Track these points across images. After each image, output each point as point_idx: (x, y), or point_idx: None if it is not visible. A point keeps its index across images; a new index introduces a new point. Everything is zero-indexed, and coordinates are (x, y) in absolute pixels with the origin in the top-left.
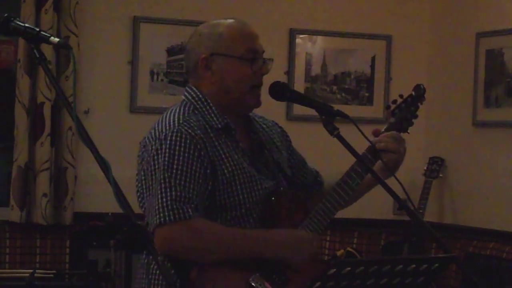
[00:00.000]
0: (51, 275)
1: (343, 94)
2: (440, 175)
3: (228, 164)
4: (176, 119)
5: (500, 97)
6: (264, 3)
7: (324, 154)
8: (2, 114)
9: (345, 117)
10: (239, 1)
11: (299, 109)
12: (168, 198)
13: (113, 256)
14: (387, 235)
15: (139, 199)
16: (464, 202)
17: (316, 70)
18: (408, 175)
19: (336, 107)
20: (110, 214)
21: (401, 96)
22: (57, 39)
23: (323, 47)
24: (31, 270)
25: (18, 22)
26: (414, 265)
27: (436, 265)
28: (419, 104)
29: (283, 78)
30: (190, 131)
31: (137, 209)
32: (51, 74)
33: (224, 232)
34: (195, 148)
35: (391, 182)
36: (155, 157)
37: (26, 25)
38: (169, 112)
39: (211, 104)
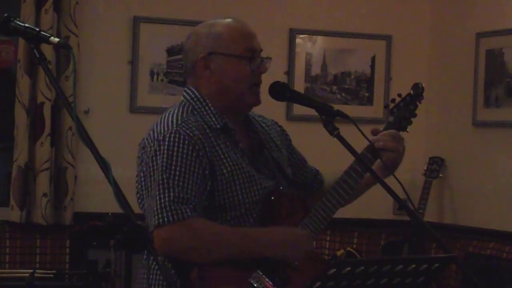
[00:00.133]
0: (51, 275)
1: (343, 94)
2: (440, 175)
3: (227, 164)
4: (174, 120)
5: (500, 97)
6: (264, 3)
7: (324, 154)
8: (2, 114)
9: (345, 117)
10: (239, 1)
11: (299, 109)
12: (167, 199)
13: (113, 256)
14: (387, 235)
15: (139, 200)
16: (464, 202)
17: (316, 70)
18: (408, 175)
19: (336, 107)
20: (110, 214)
21: (399, 95)
22: (57, 39)
23: (323, 47)
24: (31, 270)
25: (18, 22)
26: (414, 265)
27: (436, 265)
28: (417, 103)
29: (283, 78)
30: (188, 132)
31: (137, 209)
32: (51, 74)
33: (223, 232)
34: (193, 149)
35: (391, 182)
36: (154, 158)
37: (26, 25)
38: (167, 113)
39: (209, 105)
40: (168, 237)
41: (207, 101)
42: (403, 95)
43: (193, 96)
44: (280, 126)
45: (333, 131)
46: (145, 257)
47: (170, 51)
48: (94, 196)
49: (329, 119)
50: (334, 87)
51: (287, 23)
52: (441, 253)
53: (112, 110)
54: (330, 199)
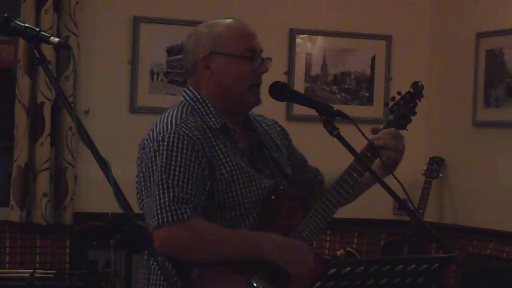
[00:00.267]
0: (51, 275)
1: (343, 94)
2: (440, 175)
3: (226, 165)
4: (173, 121)
5: (500, 97)
6: (264, 3)
7: (324, 154)
8: (2, 114)
9: (345, 117)
10: (239, 1)
11: (299, 109)
12: (166, 199)
13: (113, 256)
14: (387, 235)
15: (139, 200)
16: (464, 202)
17: (316, 70)
18: (408, 175)
19: (336, 107)
20: (110, 214)
21: (399, 93)
22: (57, 39)
23: (323, 47)
24: (31, 270)
25: (18, 22)
26: (414, 265)
27: (436, 265)
28: (417, 101)
29: (283, 78)
30: (187, 132)
31: (137, 209)
32: (51, 74)
33: (222, 233)
34: (193, 149)
35: (391, 182)
36: (153, 159)
37: (26, 25)
38: (167, 114)
39: (209, 105)
40: (167, 237)
41: (207, 101)
42: (403, 93)
43: (192, 96)
44: (280, 126)
45: (333, 131)
46: (145, 257)
47: (170, 51)
48: (94, 196)
49: (329, 119)
50: (334, 87)
51: (287, 23)
52: (441, 253)
53: (112, 110)
54: (330, 198)
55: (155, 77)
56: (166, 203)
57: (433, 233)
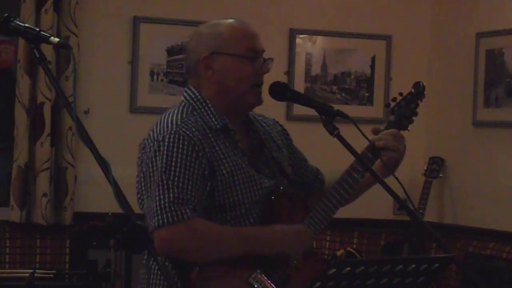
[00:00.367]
0: (51, 275)
1: (343, 94)
2: (440, 175)
3: (226, 165)
4: (174, 121)
5: (500, 97)
6: (264, 3)
7: (324, 154)
8: (2, 114)
9: (345, 117)
10: (239, 1)
11: (299, 109)
12: (166, 200)
13: (113, 256)
14: (387, 235)
15: (139, 200)
16: (464, 202)
17: (316, 70)
18: (408, 175)
19: (336, 107)
20: (110, 214)
21: (400, 94)
22: (57, 39)
23: (323, 47)
24: (31, 270)
25: (18, 22)
26: (414, 265)
27: (436, 265)
28: (418, 101)
29: (283, 78)
30: (188, 132)
31: (137, 209)
32: (51, 74)
33: (222, 232)
34: (193, 149)
35: (391, 182)
36: (153, 159)
37: (26, 25)
38: (167, 114)
39: (209, 105)
40: (167, 237)
41: (207, 101)
42: (404, 94)
43: (193, 96)
44: (281, 126)
45: (333, 131)
46: (145, 257)
47: (170, 51)
48: (94, 196)
49: (329, 119)
50: (334, 87)
51: (287, 23)
52: (441, 253)
53: (112, 110)
54: (331, 198)
55: (155, 77)
56: (166, 204)
57: (433, 233)
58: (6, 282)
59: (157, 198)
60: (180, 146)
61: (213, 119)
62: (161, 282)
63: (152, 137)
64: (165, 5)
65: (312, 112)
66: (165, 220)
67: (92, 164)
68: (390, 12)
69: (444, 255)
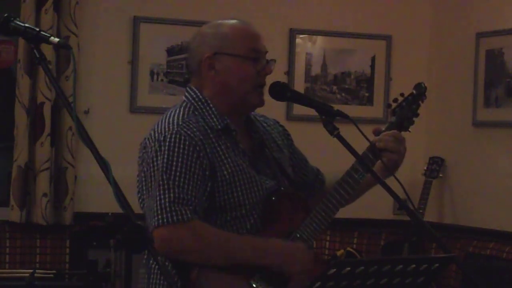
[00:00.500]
0: (51, 275)
1: (343, 94)
2: (440, 175)
3: (227, 166)
4: (175, 121)
5: (500, 97)
6: (264, 3)
7: (324, 154)
8: (2, 114)
9: (345, 117)
10: (239, 1)
11: (299, 109)
12: (167, 199)
13: (113, 256)
14: (387, 235)
15: (140, 200)
16: (464, 202)
17: (316, 70)
18: (408, 175)
19: (336, 107)
20: (110, 214)
21: (402, 94)
22: (57, 39)
23: (323, 47)
24: (31, 270)
25: (18, 22)
26: (414, 265)
27: (436, 265)
28: (420, 102)
29: (283, 78)
30: (189, 132)
31: (137, 209)
32: (51, 74)
33: (222, 235)
34: (194, 149)
35: (391, 182)
36: (154, 159)
37: (26, 25)
38: (169, 113)
39: (211, 105)
40: (167, 237)
41: (209, 101)
42: (406, 94)
43: (194, 96)
44: (282, 126)
45: (333, 131)
46: (145, 257)
47: (170, 51)
48: (94, 196)
49: (329, 119)
50: (334, 87)
51: (287, 23)
52: (441, 253)
53: (112, 110)
54: (331, 199)
55: (155, 77)
56: (167, 204)
57: (433, 233)
58: (6, 282)
59: (158, 198)
60: (181, 146)
61: (215, 119)
62: (161, 282)
63: (153, 137)
64: (165, 5)
65: (312, 112)
66: (165, 220)
67: (92, 164)
68: (390, 12)
69: (444, 255)
